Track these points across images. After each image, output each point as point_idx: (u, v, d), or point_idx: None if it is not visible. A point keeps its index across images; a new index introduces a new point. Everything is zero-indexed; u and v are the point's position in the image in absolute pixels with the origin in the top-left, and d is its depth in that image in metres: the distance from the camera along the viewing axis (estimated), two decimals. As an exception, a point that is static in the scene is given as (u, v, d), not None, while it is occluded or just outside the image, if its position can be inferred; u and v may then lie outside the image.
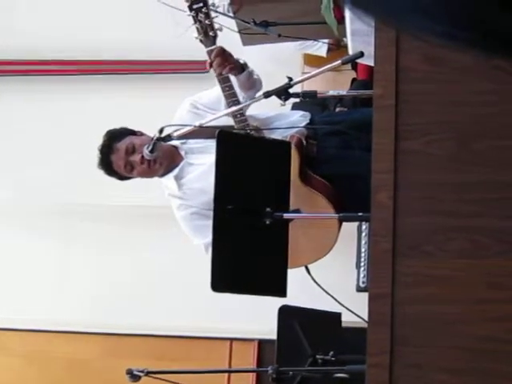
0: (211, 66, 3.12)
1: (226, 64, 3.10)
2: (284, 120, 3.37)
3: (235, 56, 3.20)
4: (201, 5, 3.03)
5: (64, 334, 5.10)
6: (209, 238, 2.81)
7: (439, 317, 2.11)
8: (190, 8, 3.04)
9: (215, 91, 3.27)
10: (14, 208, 5.29)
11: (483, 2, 0.64)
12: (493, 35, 0.65)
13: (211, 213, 2.73)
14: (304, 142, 3.28)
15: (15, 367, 5.10)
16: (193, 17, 3.06)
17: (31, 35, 5.41)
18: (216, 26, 3.08)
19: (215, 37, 3.09)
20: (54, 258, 5.18)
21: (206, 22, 3.06)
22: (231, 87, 3.15)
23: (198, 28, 3.07)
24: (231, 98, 3.15)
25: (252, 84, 3.24)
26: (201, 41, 3.10)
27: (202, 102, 3.38)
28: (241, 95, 3.20)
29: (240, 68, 3.19)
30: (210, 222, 2.71)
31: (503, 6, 0.63)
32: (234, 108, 3.14)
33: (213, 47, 3.09)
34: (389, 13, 0.68)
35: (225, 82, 3.14)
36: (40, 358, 5.10)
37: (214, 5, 3.18)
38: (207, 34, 3.07)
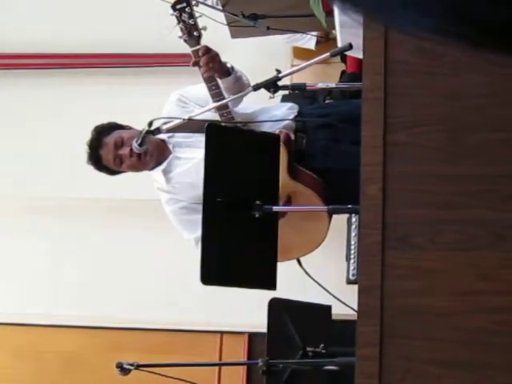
0: (195, 65, 3.09)
1: (211, 65, 3.07)
2: (270, 113, 3.35)
3: (223, 53, 3.16)
4: (184, 5, 3.01)
5: (53, 328, 5.09)
6: (199, 232, 2.80)
7: (429, 309, 2.11)
8: (174, 8, 3.02)
9: (202, 88, 3.24)
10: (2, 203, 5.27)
11: None
12: (483, 29, 0.65)
13: (200, 207, 2.72)
14: (292, 136, 3.27)
15: (5, 362, 5.09)
16: (176, 17, 3.03)
17: (17, 29, 5.38)
18: (200, 25, 3.06)
19: (199, 36, 3.06)
20: (44, 252, 5.16)
21: (190, 21, 3.03)
22: (217, 86, 3.12)
23: (181, 28, 3.05)
24: (217, 97, 3.12)
25: (239, 88, 3.18)
26: (185, 41, 3.07)
27: (189, 96, 3.36)
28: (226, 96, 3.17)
29: (226, 72, 3.16)
30: (200, 217, 2.71)
31: None
32: (223, 101, 3.12)
33: (197, 47, 3.06)
34: (379, 7, 0.68)
35: (211, 81, 3.11)
36: (30, 351, 5.09)
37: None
38: (191, 33, 3.05)
